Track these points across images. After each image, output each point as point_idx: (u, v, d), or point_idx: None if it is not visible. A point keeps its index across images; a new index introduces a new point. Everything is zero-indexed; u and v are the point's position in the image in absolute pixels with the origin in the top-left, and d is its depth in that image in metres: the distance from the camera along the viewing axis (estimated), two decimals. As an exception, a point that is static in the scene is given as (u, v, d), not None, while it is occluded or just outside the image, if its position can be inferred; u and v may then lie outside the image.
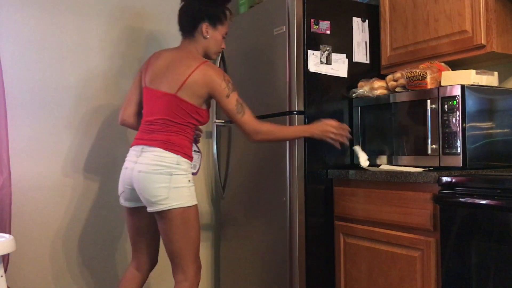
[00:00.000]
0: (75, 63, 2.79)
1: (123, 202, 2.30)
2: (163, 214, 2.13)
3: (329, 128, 2.33)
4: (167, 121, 2.18)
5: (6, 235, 2.09)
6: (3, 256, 2.17)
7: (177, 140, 2.17)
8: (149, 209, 2.16)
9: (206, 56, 2.35)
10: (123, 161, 2.30)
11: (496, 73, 2.29)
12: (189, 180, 2.17)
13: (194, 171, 2.38)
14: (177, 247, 2.16)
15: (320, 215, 2.50)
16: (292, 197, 2.45)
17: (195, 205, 2.18)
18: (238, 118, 2.20)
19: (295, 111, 2.46)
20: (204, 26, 2.28)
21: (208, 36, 2.30)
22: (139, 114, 2.38)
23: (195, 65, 2.20)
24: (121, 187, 2.27)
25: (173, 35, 2.56)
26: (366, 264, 2.28)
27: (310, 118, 2.48)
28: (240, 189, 2.87)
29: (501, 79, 2.41)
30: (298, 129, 2.39)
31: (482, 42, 2.20)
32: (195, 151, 2.36)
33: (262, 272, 2.65)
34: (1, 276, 2.03)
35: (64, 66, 2.76)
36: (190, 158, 2.21)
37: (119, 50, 2.92)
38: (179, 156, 2.15)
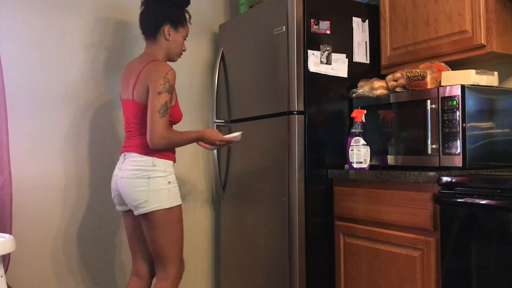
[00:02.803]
0: (75, 63, 2.79)
1: (117, 207, 2.38)
2: (145, 216, 2.20)
3: (217, 139, 2.35)
4: (137, 125, 2.26)
5: (6, 235, 2.09)
6: (4, 256, 2.17)
7: None
8: (135, 213, 2.23)
9: (168, 58, 2.40)
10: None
11: (496, 73, 2.29)
12: (169, 182, 2.21)
13: (237, 134, 2.39)
14: (159, 248, 2.21)
15: (320, 215, 2.50)
16: (292, 197, 2.45)
17: (178, 206, 2.23)
18: (156, 117, 2.12)
19: (295, 111, 2.46)
20: (166, 29, 2.34)
21: (170, 38, 2.35)
22: None
23: (143, 64, 2.25)
24: (112, 193, 2.36)
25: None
26: (366, 264, 2.28)
27: (310, 118, 2.48)
28: (240, 189, 2.87)
29: (501, 79, 2.41)
30: (193, 134, 2.32)
31: (482, 42, 2.20)
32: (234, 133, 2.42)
33: (262, 272, 2.65)
34: (1, 276, 2.03)
35: (64, 66, 2.76)
36: (166, 157, 2.23)
37: (120, 49, 2.92)
38: (153, 158, 2.20)
